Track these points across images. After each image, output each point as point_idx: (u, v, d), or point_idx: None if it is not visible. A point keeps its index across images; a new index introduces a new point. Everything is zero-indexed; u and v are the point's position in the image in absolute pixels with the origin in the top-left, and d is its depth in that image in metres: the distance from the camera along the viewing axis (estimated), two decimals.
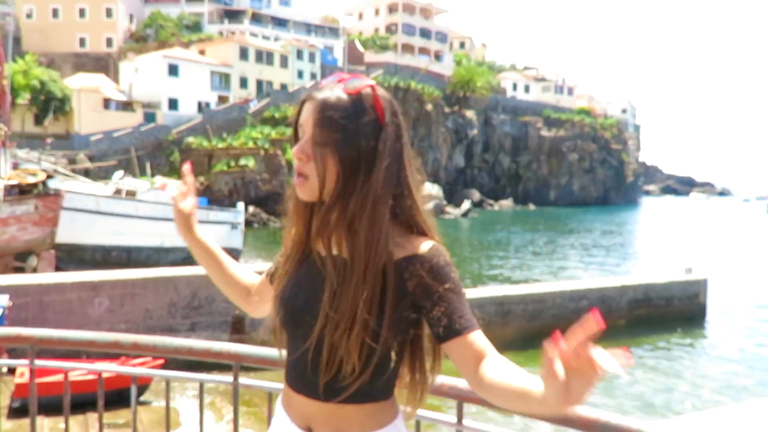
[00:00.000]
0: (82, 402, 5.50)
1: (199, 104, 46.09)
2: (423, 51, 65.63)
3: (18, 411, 7.34)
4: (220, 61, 48.46)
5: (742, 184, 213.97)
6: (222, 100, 47.62)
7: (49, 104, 37.69)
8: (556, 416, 1.54)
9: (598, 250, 31.36)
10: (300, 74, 53.03)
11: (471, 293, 12.48)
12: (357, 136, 1.18)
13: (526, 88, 73.57)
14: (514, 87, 72.64)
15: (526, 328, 12.61)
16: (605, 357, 0.94)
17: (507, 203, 63.69)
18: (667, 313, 14.20)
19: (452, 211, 51.52)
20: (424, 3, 67.78)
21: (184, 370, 2.39)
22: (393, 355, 1.19)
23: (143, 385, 7.84)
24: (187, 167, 1.52)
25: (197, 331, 10.24)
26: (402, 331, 1.19)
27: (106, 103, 42.54)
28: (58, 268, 15.87)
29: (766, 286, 20.46)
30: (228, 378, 2.03)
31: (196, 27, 57.82)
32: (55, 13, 53.11)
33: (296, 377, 1.24)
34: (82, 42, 53.32)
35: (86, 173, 32.08)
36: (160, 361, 7.34)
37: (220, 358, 2.01)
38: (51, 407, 5.48)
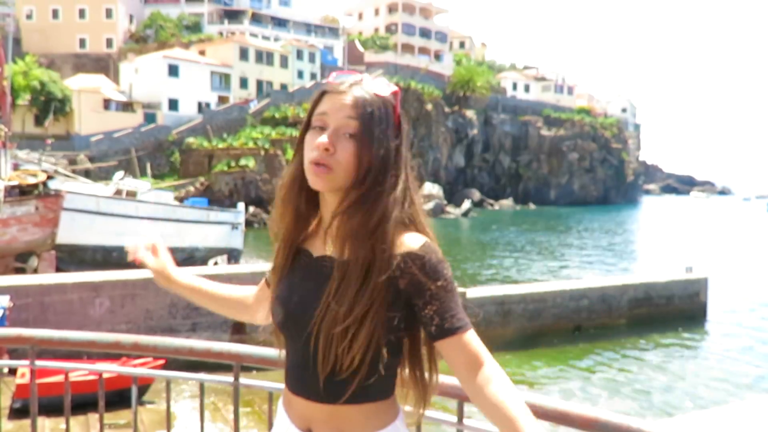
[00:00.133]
0: (83, 402, 5.51)
1: (200, 104, 46.10)
2: (423, 51, 65.61)
3: (19, 412, 7.34)
4: (220, 61, 48.46)
5: (742, 183, 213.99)
6: (222, 100, 47.62)
7: (50, 105, 37.70)
8: (556, 416, 1.54)
9: (599, 249, 31.35)
10: (300, 74, 53.03)
11: (471, 293, 12.48)
12: (388, 137, 1.20)
13: (526, 88, 73.54)
14: (514, 86, 72.62)
15: (527, 328, 12.61)
16: None
17: (507, 203, 63.67)
18: (667, 312, 14.20)
19: (452, 211, 51.50)
20: (423, 3, 67.77)
21: (185, 371, 2.39)
22: (390, 354, 1.19)
23: (144, 385, 7.85)
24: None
25: (198, 332, 10.24)
26: (397, 329, 1.18)
27: (107, 103, 42.55)
28: (58, 269, 15.88)
29: (766, 284, 20.45)
30: (229, 378, 2.04)
31: (196, 27, 57.81)
32: (55, 13, 53.11)
33: (295, 379, 1.25)
34: (82, 43, 53.33)
35: (87, 174, 32.09)
36: (161, 362, 7.34)
37: (221, 359, 2.01)
38: (52, 408, 5.48)
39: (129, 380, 2.27)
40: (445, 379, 1.68)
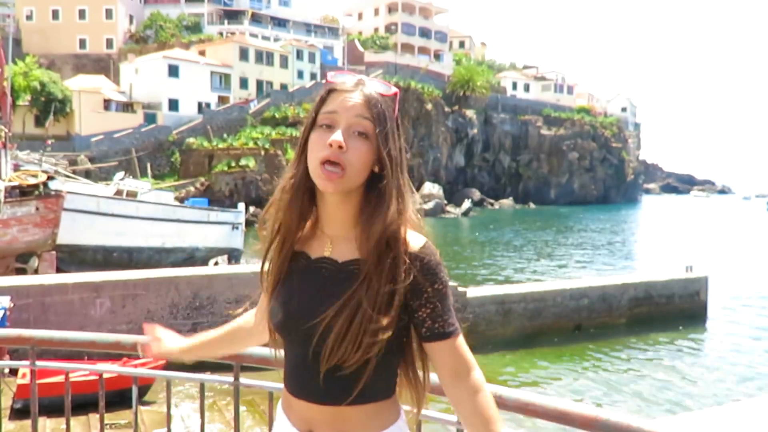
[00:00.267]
0: (84, 403, 5.51)
1: (200, 105, 46.10)
2: (423, 50, 65.59)
3: (20, 412, 7.34)
4: (220, 61, 48.47)
5: (742, 181, 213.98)
6: (222, 100, 47.62)
7: (50, 106, 37.69)
8: (556, 415, 1.54)
9: (599, 248, 31.35)
10: (300, 74, 53.03)
11: (472, 292, 12.48)
12: (396, 136, 1.21)
13: (526, 87, 73.51)
14: (514, 86, 72.59)
15: (527, 327, 12.62)
16: None
17: (507, 202, 63.66)
18: (667, 311, 14.20)
19: (453, 211, 51.50)
20: (423, 2, 67.76)
21: (185, 371, 2.40)
22: (393, 353, 1.20)
23: (145, 385, 7.85)
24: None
25: (199, 332, 10.24)
26: (399, 328, 1.19)
27: (107, 104, 42.56)
28: (59, 269, 15.88)
29: (766, 283, 20.44)
30: (229, 378, 2.04)
31: (195, 28, 57.80)
32: (55, 14, 53.12)
33: (296, 382, 1.24)
34: (82, 43, 53.34)
35: (87, 174, 32.09)
36: (162, 362, 7.35)
37: (221, 359, 2.01)
38: (53, 408, 5.48)
39: (129, 380, 2.27)
40: None
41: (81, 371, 2.40)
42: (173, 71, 45.16)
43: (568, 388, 10.36)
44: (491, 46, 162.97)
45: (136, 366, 6.98)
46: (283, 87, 50.70)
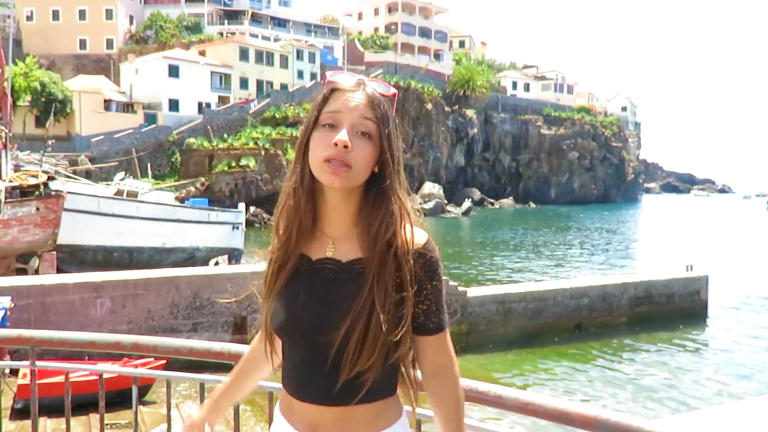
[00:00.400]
0: (85, 403, 5.51)
1: (200, 105, 46.10)
2: (423, 50, 65.59)
3: (21, 412, 7.35)
4: (220, 61, 48.47)
5: (742, 181, 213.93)
6: (222, 100, 47.63)
7: (50, 106, 37.67)
8: (556, 414, 1.55)
9: (599, 247, 31.35)
10: (300, 74, 53.03)
11: (472, 292, 12.49)
12: (396, 136, 1.22)
13: (526, 87, 73.50)
14: (514, 85, 72.58)
15: (528, 326, 12.62)
16: None
17: (507, 202, 63.66)
18: (668, 310, 14.20)
19: (453, 210, 51.51)
20: (423, 2, 67.75)
21: (186, 371, 2.40)
22: (396, 349, 1.20)
23: (145, 385, 7.86)
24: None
25: (199, 332, 10.25)
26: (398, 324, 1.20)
27: (107, 104, 42.57)
28: (59, 270, 15.88)
29: (766, 282, 20.44)
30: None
31: (195, 28, 57.80)
32: (55, 15, 53.12)
33: (300, 384, 1.23)
34: (82, 44, 53.34)
35: (87, 174, 32.10)
36: (163, 362, 7.35)
37: (221, 359, 2.01)
38: (53, 408, 5.49)
39: (129, 380, 2.28)
40: None
41: (81, 371, 2.40)
42: (173, 71, 45.17)
43: (569, 387, 10.36)
44: (491, 46, 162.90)
45: (136, 366, 6.99)
46: (284, 87, 50.70)
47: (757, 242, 35.08)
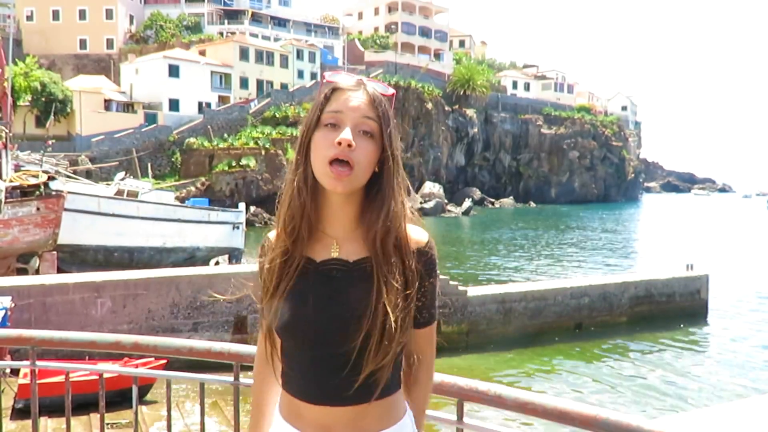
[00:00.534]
0: (85, 403, 5.51)
1: (200, 105, 46.10)
2: (423, 50, 65.57)
3: (21, 412, 7.36)
4: (220, 61, 48.47)
5: (742, 180, 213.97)
6: (222, 100, 47.63)
7: (51, 106, 37.66)
8: (556, 414, 1.55)
9: (599, 247, 31.34)
10: (300, 74, 53.02)
11: (472, 291, 12.48)
12: (396, 135, 1.23)
13: (526, 86, 73.49)
14: (514, 85, 72.57)
15: (528, 326, 12.61)
16: None
17: (508, 201, 63.66)
18: (668, 310, 14.20)
19: (453, 210, 51.51)
20: (423, 2, 67.73)
21: (187, 370, 2.40)
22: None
23: (146, 385, 7.86)
24: None
25: (200, 332, 10.25)
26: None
27: (107, 104, 42.58)
28: (60, 270, 15.89)
29: (767, 281, 20.43)
30: (229, 378, 2.04)
31: (196, 28, 57.80)
32: (55, 15, 53.12)
33: (314, 387, 1.21)
34: (82, 44, 53.34)
35: (88, 174, 32.11)
36: (163, 362, 7.35)
37: (221, 358, 2.01)
38: (54, 408, 5.49)
39: (130, 380, 2.28)
40: (445, 377, 1.69)
41: (81, 371, 2.41)
42: (173, 71, 45.17)
43: (569, 386, 10.36)
44: (491, 45, 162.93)
45: (136, 366, 7.00)
46: (284, 86, 50.71)
47: (757, 241, 35.07)
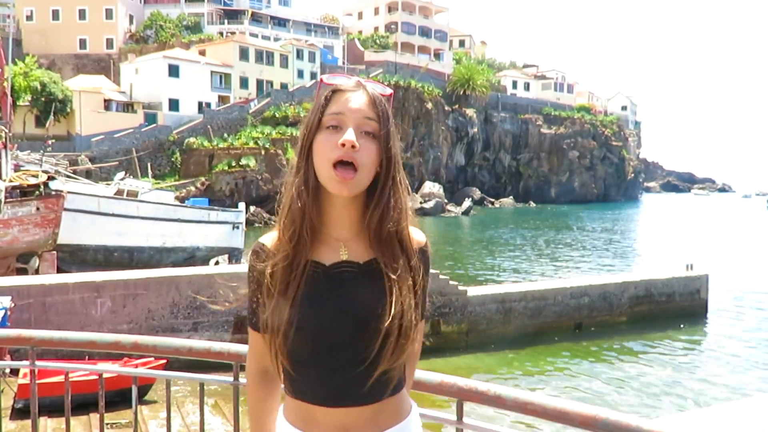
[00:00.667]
0: (85, 402, 5.51)
1: (200, 104, 46.10)
2: (423, 49, 65.58)
3: (21, 412, 7.35)
4: (220, 61, 48.47)
5: (742, 180, 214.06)
6: (222, 100, 47.63)
7: (50, 106, 37.66)
8: (556, 414, 1.55)
9: (599, 246, 31.35)
10: (300, 74, 53.02)
11: (472, 291, 12.48)
12: (395, 135, 1.24)
13: (526, 86, 73.49)
14: (514, 85, 72.58)
15: (528, 326, 12.61)
16: None
17: (508, 201, 63.67)
18: (668, 309, 14.20)
19: (453, 210, 51.51)
20: (423, 2, 67.74)
21: (186, 370, 2.40)
22: None
23: (145, 385, 7.86)
24: None
25: (199, 331, 10.25)
26: None
27: (107, 104, 42.57)
28: (60, 269, 15.89)
29: (766, 281, 20.44)
30: (229, 378, 2.04)
31: (195, 27, 57.79)
32: (55, 14, 53.10)
33: (330, 391, 1.20)
34: (82, 43, 53.33)
35: (88, 174, 32.10)
36: (163, 361, 7.35)
37: (221, 358, 2.01)
38: (54, 408, 5.50)
39: (130, 380, 2.28)
40: (445, 378, 1.69)
41: (81, 371, 2.41)
42: (173, 71, 45.16)
43: (568, 386, 10.36)
44: (491, 45, 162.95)
45: (136, 366, 7.00)
46: (284, 86, 50.71)
47: (757, 241, 35.08)
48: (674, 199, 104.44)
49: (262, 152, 40.62)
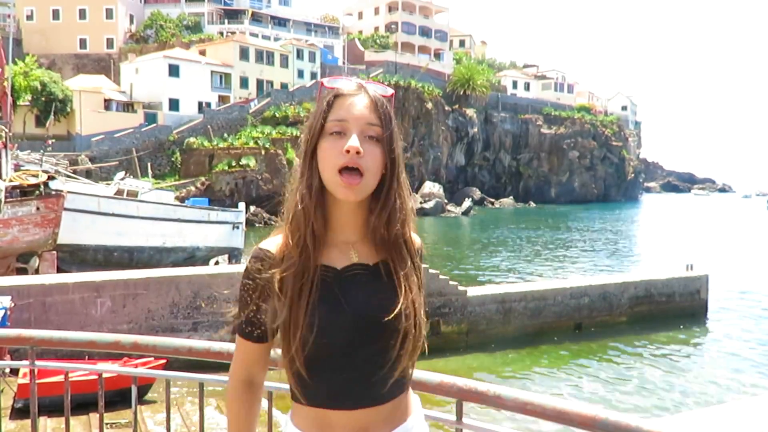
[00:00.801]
0: (85, 402, 5.52)
1: (200, 104, 46.09)
2: (423, 49, 65.57)
3: (21, 411, 7.36)
4: (220, 61, 48.47)
5: (742, 180, 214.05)
6: (223, 100, 47.62)
7: (50, 105, 37.65)
8: (555, 414, 1.55)
9: (599, 247, 31.34)
10: (300, 74, 53.02)
11: (472, 291, 12.48)
12: (398, 136, 1.24)
13: (526, 86, 73.49)
14: (514, 85, 72.57)
15: (528, 326, 12.62)
16: None
17: (508, 201, 63.66)
18: (668, 310, 14.20)
19: (453, 210, 51.50)
20: (423, 1, 67.73)
21: (186, 370, 2.40)
22: None
23: (145, 385, 7.86)
24: None
25: (199, 331, 10.25)
26: None
27: (107, 104, 42.57)
28: (60, 269, 15.89)
29: (766, 281, 20.44)
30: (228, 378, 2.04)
31: (196, 27, 57.79)
32: (55, 14, 53.11)
33: (350, 393, 1.20)
34: (82, 43, 53.33)
35: (88, 174, 32.10)
36: (163, 361, 7.35)
37: (221, 358, 2.01)
38: (54, 408, 5.50)
39: (129, 380, 2.27)
40: (444, 378, 1.69)
41: (81, 371, 2.41)
42: (173, 71, 45.16)
43: (569, 386, 10.36)
44: (491, 45, 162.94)
45: (136, 366, 7.00)
46: (284, 86, 50.71)
47: (757, 241, 35.07)
48: (674, 200, 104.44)
49: (262, 152, 40.61)
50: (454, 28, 75.68)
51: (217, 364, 2.09)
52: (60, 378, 6.05)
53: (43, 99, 38.28)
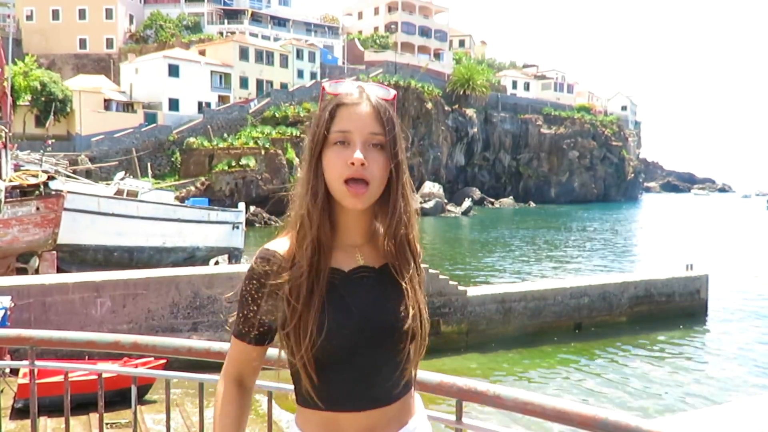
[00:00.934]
0: (85, 402, 5.51)
1: (200, 104, 46.10)
2: (423, 49, 65.57)
3: (21, 411, 7.35)
4: (220, 61, 48.47)
5: (742, 180, 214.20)
6: (222, 100, 47.63)
7: (50, 106, 37.66)
8: (555, 414, 1.55)
9: (599, 246, 31.34)
10: (300, 74, 53.02)
11: (472, 291, 12.48)
12: (400, 139, 1.24)
13: (526, 86, 73.49)
14: (514, 85, 72.57)
15: (528, 326, 12.62)
16: None
17: (508, 201, 63.67)
18: (668, 310, 14.20)
19: (453, 210, 51.51)
20: (423, 1, 67.74)
21: (186, 370, 2.40)
22: None
23: (145, 385, 7.86)
24: None
25: (199, 331, 10.25)
26: None
27: (107, 104, 42.57)
28: (59, 269, 15.89)
29: (766, 281, 20.44)
30: None
31: (195, 27, 57.79)
32: (55, 14, 53.11)
33: (362, 394, 1.20)
34: (82, 43, 53.33)
35: (88, 174, 32.11)
36: (163, 361, 7.35)
37: (221, 358, 2.00)
38: (54, 408, 5.50)
39: (129, 380, 2.27)
40: (444, 378, 1.69)
41: (81, 371, 2.41)
42: (173, 71, 45.16)
43: (568, 386, 10.36)
44: (491, 45, 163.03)
45: (135, 366, 7.00)
46: (284, 86, 50.71)
47: (756, 241, 35.07)
48: (674, 199, 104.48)
49: (262, 152, 40.61)
50: (453, 28, 75.68)
51: (217, 364, 2.08)
52: (60, 378, 6.05)
53: (42, 99, 38.28)
